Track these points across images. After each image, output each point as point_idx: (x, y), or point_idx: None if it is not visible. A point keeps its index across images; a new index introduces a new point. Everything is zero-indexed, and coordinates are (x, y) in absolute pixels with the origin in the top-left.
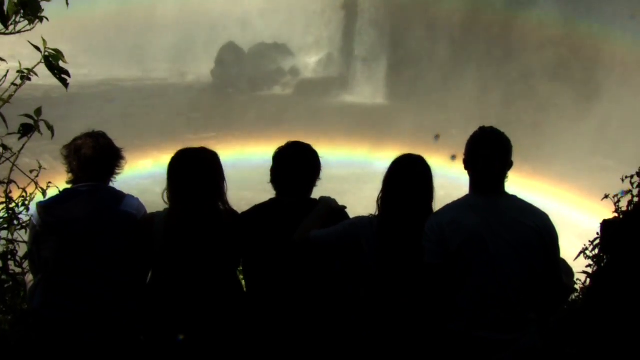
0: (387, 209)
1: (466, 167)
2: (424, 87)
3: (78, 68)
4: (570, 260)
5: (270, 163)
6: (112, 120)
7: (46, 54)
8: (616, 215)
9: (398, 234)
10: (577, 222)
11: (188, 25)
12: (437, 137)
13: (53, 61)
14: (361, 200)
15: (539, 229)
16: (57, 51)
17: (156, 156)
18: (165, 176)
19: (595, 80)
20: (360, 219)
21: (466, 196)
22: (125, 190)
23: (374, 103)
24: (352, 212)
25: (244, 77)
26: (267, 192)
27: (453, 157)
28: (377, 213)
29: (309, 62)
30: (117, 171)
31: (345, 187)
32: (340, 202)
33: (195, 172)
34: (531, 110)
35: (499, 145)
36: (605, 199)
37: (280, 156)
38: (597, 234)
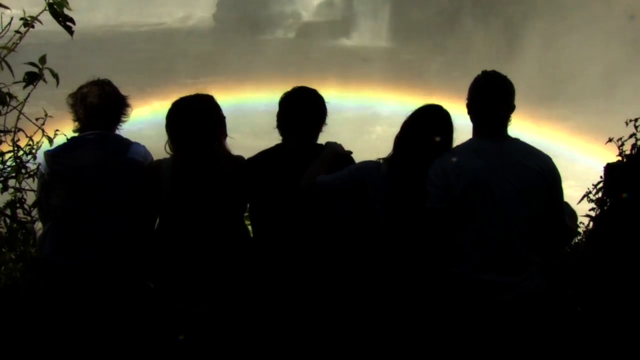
0: (402, 150)
1: (469, 112)
2: (427, 30)
3: (76, 13)
4: (573, 204)
5: (273, 108)
6: (113, 66)
7: (50, 1)
8: (620, 158)
9: (409, 176)
10: (581, 165)
11: None
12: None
13: (57, 8)
14: (364, 143)
15: (542, 171)
16: None
17: (155, 102)
18: (162, 122)
19: (598, 21)
20: (366, 163)
21: (469, 140)
22: (126, 136)
23: (377, 46)
24: (357, 155)
25: (245, 20)
26: (270, 138)
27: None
28: (390, 154)
29: (311, 4)
30: (123, 119)
31: (349, 130)
32: (344, 146)
33: (190, 121)
34: (534, 48)
35: (503, 89)
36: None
37: (286, 101)
38: (601, 177)
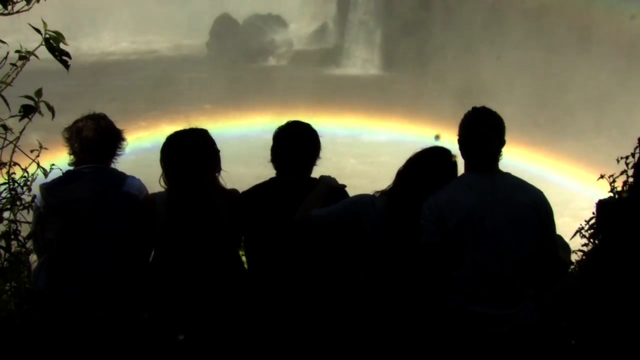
0: (403, 185)
1: (461, 147)
2: (418, 58)
3: (67, 41)
4: (566, 238)
5: (266, 135)
6: (104, 94)
7: (47, 36)
8: (611, 194)
9: (406, 211)
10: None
11: None
12: (437, 137)
13: (54, 43)
14: (357, 170)
15: (534, 205)
16: (58, 33)
17: (151, 129)
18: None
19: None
20: (361, 197)
21: (462, 175)
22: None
23: (369, 74)
24: (349, 182)
25: (238, 49)
26: (262, 166)
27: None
28: (388, 187)
29: (304, 33)
30: (118, 152)
31: (342, 157)
32: (338, 172)
33: (185, 154)
34: (527, 79)
35: (494, 124)
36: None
37: (280, 136)
38: (593, 213)
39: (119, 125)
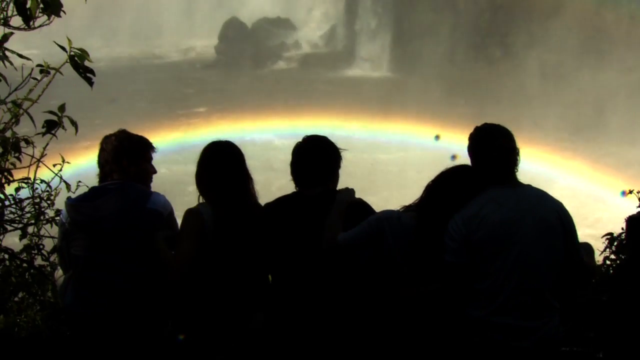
0: (433, 201)
1: (477, 161)
2: (428, 60)
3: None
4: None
5: (277, 139)
6: (113, 99)
7: (72, 53)
8: None
9: (436, 227)
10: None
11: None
12: (437, 137)
13: (78, 60)
14: (370, 175)
15: (558, 213)
16: (83, 50)
17: (162, 134)
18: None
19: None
20: (386, 213)
21: (485, 191)
22: None
23: (379, 76)
24: (364, 187)
25: (247, 52)
26: (273, 171)
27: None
28: (415, 201)
29: (313, 36)
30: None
31: (355, 161)
32: (350, 177)
33: (233, 165)
34: (536, 81)
35: (508, 135)
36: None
37: (299, 152)
38: (622, 229)
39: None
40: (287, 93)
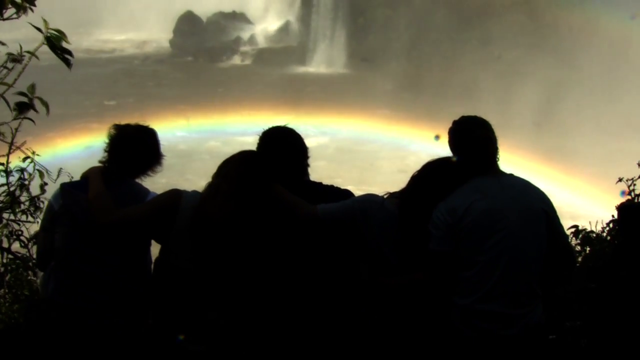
0: (418, 190)
1: (458, 153)
2: (384, 56)
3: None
4: None
5: (237, 136)
6: (67, 92)
7: (48, 34)
8: (630, 198)
9: (421, 216)
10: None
11: None
12: (437, 137)
13: (55, 42)
14: (327, 170)
15: (541, 202)
16: (60, 32)
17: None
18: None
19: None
20: (370, 196)
21: (469, 181)
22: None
23: (333, 72)
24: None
25: (202, 47)
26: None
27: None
28: (401, 190)
29: (267, 31)
30: (150, 173)
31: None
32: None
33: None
34: (492, 76)
35: (487, 126)
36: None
37: (264, 144)
38: (613, 216)
39: (69, 116)
40: (241, 89)
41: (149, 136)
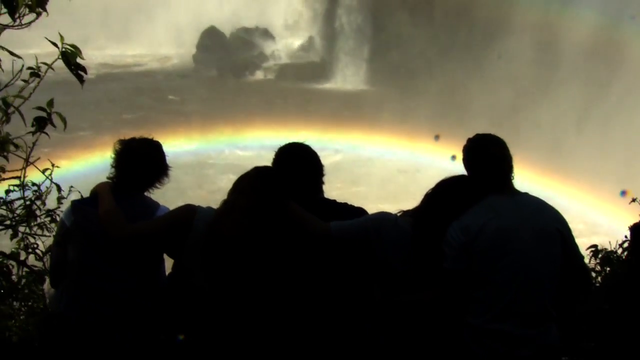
0: (431, 209)
1: (472, 171)
2: (406, 72)
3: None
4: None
5: (255, 151)
6: (87, 106)
7: (63, 49)
8: None
9: (434, 234)
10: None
11: (167, 8)
12: (437, 137)
13: (71, 58)
14: (347, 185)
15: (557, 222)
16: (75, 47)
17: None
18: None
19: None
20: (383, 214)
21: (484, 199)
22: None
23: (356, 88)
24: (337, 193)
25: (226, 62)
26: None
27: (437, 137)
28: (414, 208)
29: (291, 46)
30: (157, 185)
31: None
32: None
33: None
34: (512, 94)
35: (502, 144)
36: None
37: (279, 161)
38: (626, 237)
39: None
40: (264, 104)
41: (154, 149)
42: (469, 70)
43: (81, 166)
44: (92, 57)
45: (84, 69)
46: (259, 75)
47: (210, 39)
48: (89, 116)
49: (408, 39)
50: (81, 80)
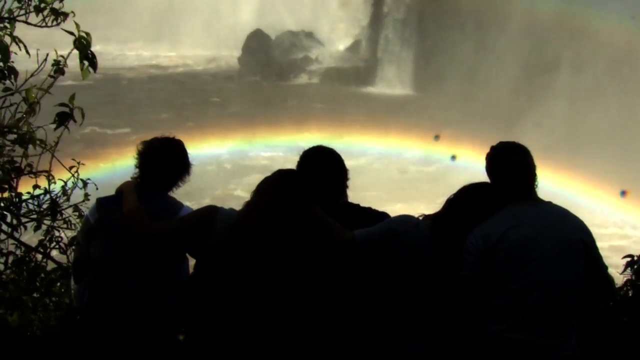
0: (453, 214)
1: (496, 178)
2: (451, 78)
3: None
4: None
5: (295, 153)
6: (128, 108)
7: (76, 36)
8: None
9: (455, 239)
10: None
11: (213, 10)
12: (437, 137)
13: (84, 43)
14: (391, 189)
15: (580, 232)
16: (87, 34)
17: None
18: None
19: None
20: (405, 218)
21: (505, 207)
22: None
23: (400, 93)
24: (381, 197)
25: (271, 64)
26: None
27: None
28: (435, 213)
29: (336, 50)
30: (180, 184)
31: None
32: (372, 192)
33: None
34: (559, 102)
35: (526, 152)
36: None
37: (304, 164)
38: None
39: (131, 132)
40: (308, 108)
41: (175, 147)
42: (513, 76)
43: (119, 165)
44: (140, 57)
45: (94, 55)
46: (304, 78)
47: (256, 41)
48: (126, 116)
49: (454, 45)
50: (94, 66)
